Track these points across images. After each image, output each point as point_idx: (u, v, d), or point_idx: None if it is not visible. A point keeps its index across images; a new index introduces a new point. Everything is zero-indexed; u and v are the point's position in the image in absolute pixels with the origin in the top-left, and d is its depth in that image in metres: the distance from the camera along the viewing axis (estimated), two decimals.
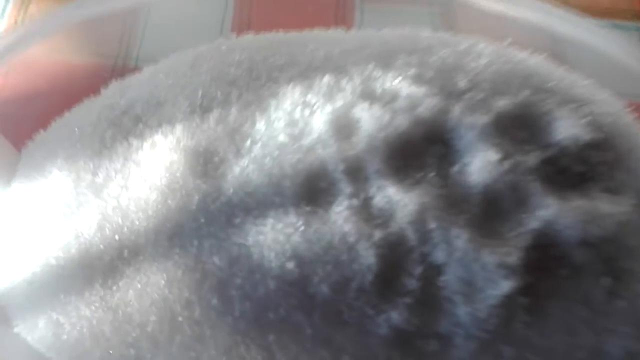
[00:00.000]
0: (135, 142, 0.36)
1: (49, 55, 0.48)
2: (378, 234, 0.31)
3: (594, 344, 0.32)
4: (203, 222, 0.33)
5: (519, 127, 0.35)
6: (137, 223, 0.33)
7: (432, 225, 0.32)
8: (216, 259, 0.32)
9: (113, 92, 0.41)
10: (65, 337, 0.33)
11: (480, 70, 0.37)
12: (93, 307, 0.33)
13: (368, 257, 0.31)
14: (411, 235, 0.31)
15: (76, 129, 0.39)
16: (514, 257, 0.31)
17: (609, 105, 0.38)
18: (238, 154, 0.34)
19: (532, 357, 0.31)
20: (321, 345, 0.31)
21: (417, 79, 0.36)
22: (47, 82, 0.50)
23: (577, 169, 0.34)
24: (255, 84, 0.38)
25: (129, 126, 0.38)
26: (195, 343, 0.31)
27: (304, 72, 0.37)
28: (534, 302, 0.31)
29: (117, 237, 0.33)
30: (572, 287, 0.32)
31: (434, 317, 0.31)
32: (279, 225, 0.32)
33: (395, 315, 0.31)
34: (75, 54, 0.52)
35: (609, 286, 0.32)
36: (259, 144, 0.34)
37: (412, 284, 0.31)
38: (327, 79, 0.36)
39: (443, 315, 0.31)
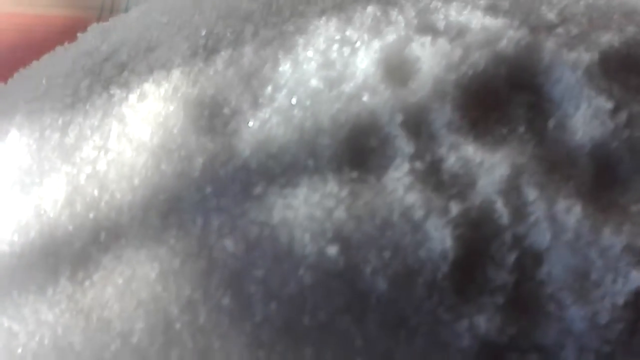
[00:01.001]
0: (118, 93, 0.28)
1: (23, 7, 0.41)
2: (455, 208, 0.23)
3: None
4: (210, 192, 0.24)
5: (630, 70, 0.26)
6: (119, 196, 0.24)
7: (530, 194, 0.23)
8: (228, 243, 0.23)
9: (93, 37, 0.32)
10: (19, 350, 0.24)
11: (569, 2, 0.28)
12: (58, 310, 0.24)
13: (442, 239, 0.22)
14: (501, 209, 0.23)
15: (44, 79, 0.30)
16: None
17: None
18: (256, 103, 0.26)
19: None
20: None
21: (491, 10, 0.27)
22: (21, 37, 0.42)
23: None
24: (276, 19, 0.29)
25: (111, 74, 0.29)
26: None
27: (340, 2, 0.28)
28: None
29: (91, 214, 0.24)
30: None
31: (534, 323, 0.23)
32: (315, 197, 0.23)
33: (482, 322, 0.22)
34: (53, 6, 0.43)
35: None
36: (284, 91, 0.26)
37: (503, 277, 0.23)
38: (371, 9, 0.28)
39: (547, 320, 0.23)
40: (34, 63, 0.33)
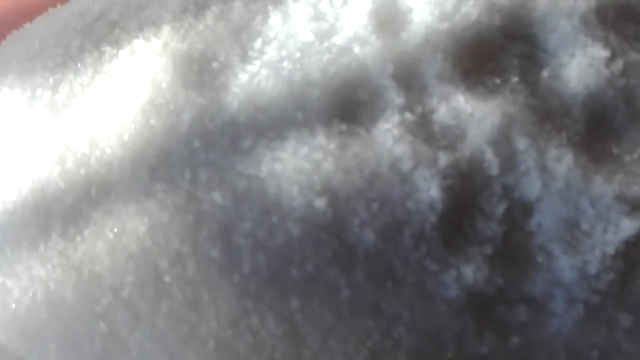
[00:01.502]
0: (108, 50, 0.27)
1: None
2: (444, 159, 0.22)
3: None
4: (198, 146, 0.24)
5: (627, 19, 0.26)
6: (109, 151, 0.24)
7: (521, 144, 0.22)
8: (217, 196, 0.23)
9: None
10: (13, 306, 0.25)
11: None
12: (50, 266, 0.24)
13: (430, 190, 0.22)
14: (491, 160, 0.22)
15: (36, 40, 0.30)
16: (638, 188, 0.22)
17: None
18: (245, 57, 0.25)
19: None
20: (365, 313, 0.22)
21: None
22: (13, 2, 0.41)
23: None
24: None
25: (102, 33, 0.29)
26: (188, 312, 0.22)
27: None
28: None
29: (82, 171, 0.25)
30: None
31: (523, 274, 0.22)
32: (304, 150, 0.23)
33: (469, 272, 0.22)
34: None
35: None
36: (273, 44, 0.25)
37: (492, 228, 0.22)
38: None
39: (536, 271, 0.22)
40: (27, 25, 0.33)
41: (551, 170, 0.22)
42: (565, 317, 0.22)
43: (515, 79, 0.25)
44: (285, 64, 0.25)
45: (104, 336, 0.23)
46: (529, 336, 0.22)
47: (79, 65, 0.28)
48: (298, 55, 0.25)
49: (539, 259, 0.23)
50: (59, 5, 0.33)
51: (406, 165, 0.23)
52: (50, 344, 0.24)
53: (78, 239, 0.24)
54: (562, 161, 0.22)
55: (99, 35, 0.29)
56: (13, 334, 0.24)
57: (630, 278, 0.22)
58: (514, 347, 0.22)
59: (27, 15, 0.35)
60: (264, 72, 0.25)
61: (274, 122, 0.24)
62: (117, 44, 0.28)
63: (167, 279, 0.23)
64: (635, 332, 0.22)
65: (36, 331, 0.24)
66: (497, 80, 0.25)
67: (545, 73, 0.25)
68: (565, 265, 0.22)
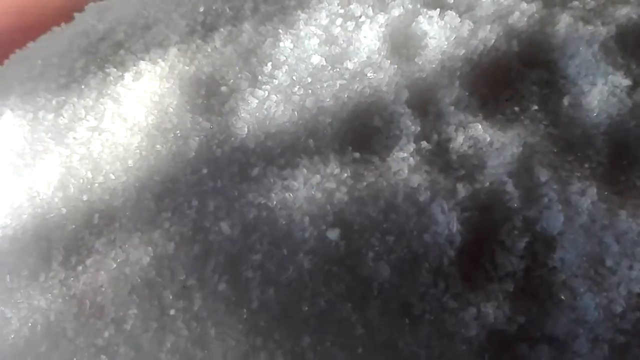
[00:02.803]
0: (114, 72, 0.27)
1: None
2: (462, 190, 0.22)
3: None
4: (206, 174, 0.23)
5: None
6: (113, 177, 0.24)
7: (543, 176, 0.22)
8: (225, 226, 0.22)
9: (89, 16, 0.31)
10: (12, 336, 0.23)
11: None
12: (50, 296, 0.23)
13: (449, 223, 0.21)
14: (512, 191, 0.22)
15: (39, 60, 0.29)
16: None
17: None
18: (255, 81, 0.25)
19: None
20: (380, 352, 0.21)
21: None
22: (18, 20, 0.41)
23: None
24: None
25: (106, 53, 0.28)
26: (194, 348, 0.21)
27: None
28: None
29: (85, 197, 0.24)
30: None
31: (545, 312, 0.22)
32: (316, 179, 0.22)
33: (490, 310, 0.21)
34: None
35: None
36: (284, 68, 0.25)
37: (513, 263, 0.22)
38: None
39: (559, 309, 0.21)
40: (30, 44, 0.32)
41: (575, 204, 0.22)
42: (590, 357, 0.21)
43: (534, 107, 0.24)
44: (296, 89, 0.24)
45: None
46: None
47: (82, 87, 0.27)
48: (309, 80, 0.25)
49: (562, 296, 0.22)
50: (63, 24, 0.33)
51: (423, 196, 0.22)
52: None
53: (80, 268, 0.23)
54: (586, 194, 0.22)
55: (103, 55, 0.28)
56: None
57: None
58: None
59: (30, 32, 0.34)
60: (274, 97, 0.24)
61: (284, 149, 0.23)
62: (122, 65, 0.27)
63: (172, 312, 0.22)
64: None
65: None
66: (516, 109, 0.24)
67: (565, 101, 0.24)
68: (589, 303, 0.21)
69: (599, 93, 0.24)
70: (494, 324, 0.21)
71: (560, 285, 0.22)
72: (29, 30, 0.35)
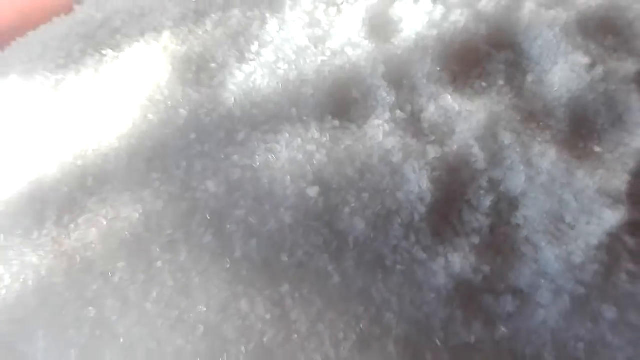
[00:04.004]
0: (110, 53, 0.29)
1: None
2: (432, 152, 0.23)
3: None
4: (194, 138, 0.24)
5: (606, 32, 0.27)
6: (106, 144, 0.25)
7: (506, 139, 0.23)
8: (211, 185, 0.23)
9: (88, 7, 0.33)
10: (4, 292, 0.24)
11: None
12: (42, 253, 0.24)
13: (420, 182, 0.23)
14: (478, 154, 0.23)
15: (39, 45, 0.31)
16: (617, 181, 0.23)
17: None
18: (242, 59, 0.26)
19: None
20: (354, 300, 0.22)
21: None
22: (20, 19, 0.42)
23: None
24: None
25: (103, 38, 0.30)
26: (178, 297, 0.23)
27: None
28: None
29: (79, 162, 0.25)
30: None
31: (509, 264, 0.23)
32: (297, 142, 0.24)
33: (457, 260, 0.22)
34: None
35: None
36: (270, 47, 0.26)
37: (479, 220, 0.23)
38: None
39: (522, 262, 0.23)
40: (31, 32, 0.34)
41: (535, 165, 0.23)
42: (552, 308, 0.23)
43: (501, 82, 0.26)
44: (280, 64, 0.26)
45: (92, 322, 0.23)
46: (516, 327, 0.23)
47: (80, 66, 0.29)
48: (293, 57, 0.26)
49: (525, 250, 0.23)
50: (62, 15, 0.35)
51: (396, 157, 0.23)
52: (39, 330, 0.23)
53: (72, 226, 0.25)
54: (546, 156, 0.23)
55: (101, 40, 0.30)
56: (2, 319, 0.24)
57: (614, 271, 0.23)
58: (501, 338, 0.22)
59: (32, 26, 0.36)
60: (260, 71, 0.26)
61: (268, 117, 0.25)
62: (118, 47, 0.29)
63: (159, 264, 0.23)
64: (620, 326, 0.23)
65: (25, 317, 0.24)
66: (484, 84, 0.26)
67: (529, 78, 0.26)
68: (550, 256, 0.23)
69: (560, 70, 0.26)
70: (460, 274, 0.22)
71: (523, 241, 0.23)
72: (31, 24, 0.36)
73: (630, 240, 0.23)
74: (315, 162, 0.24)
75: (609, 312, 0.23)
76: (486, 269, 0.23)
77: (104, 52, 0.29)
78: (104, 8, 0.33)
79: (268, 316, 0.22)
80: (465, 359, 0.22)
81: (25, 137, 0.27)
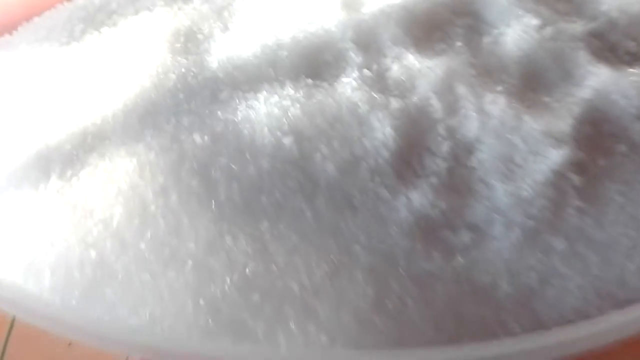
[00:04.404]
0: (107, 30, 0.32)
1: None
2: (395, 103, 0.26)
3: None
4: (182, 98, 0.27)
5: None
6: (104, 106, 0.28)
7: (461, 91, 0.26)
8: (197, 137, 0.26)
9: None
10: (13, 239, 0.27)
11: None
12: (48, 203, 0.27)
13: (383, 130, 0.25)
14: (436, 105, 0.26)
15: (43, 28, 0.34)
16: (563, 124, 0.25)
17: None
18: (225, 28, 0.30)
19: (588, 254, 0.25)
20: (326, 234, 0.25)
21: None
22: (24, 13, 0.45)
23: (628, 45, 0.29)
24: None
25: (102, 19, 0.33)
26: (170, 237, 0.25)
27: None
28: (589, 183, 0.25)
29: (80, 123, 0.28)
30: (633, 168, 0.26)
31: (465, 202, 0.25)
32: (274, 98, 0.26)
33: (417, 197, 0.24)
34: None
35: None
36: (251, 19, 0.29)
37: (437, 164, 0.26)
38: None
39: (477, 199, 0.25)
40: (35, 18, 0.37)
41: (487, 112, 0.26)
42: (504, 240, 0.25)
43: (459, 43, 0.28)
44: (259, 31, 0.29)
45: (94, 263, 0.26)
46: (472, 257, 0.25)
47: (81, 43, 0.32)
48: (272, 27, 0.29)
49: (479, 189, 0.26)
50: (65, 2, 0.38)
51: (362, 109, 0.26)
52: (45, 271, 0.26)
53: (74, 179, 0.27)
54: (497, 104, 0.26)
55: (99, 21, 0.33)
56: (12, 263, 0.27)
57: (562, 205, 0.25)
58: (458, 267, 0.25)
59: (34, 14, 0.39)
60: (241, 39, 0.29)
61: (248, 78, 0.28)
62: (114, 25, 0.32)
63: (152, 208, 0.26)
64: (569, 257, 0.25)
65: (33, 263, 0.27)
66: (444, 46, 0.28)
67: (485, 39, 0.29)
68: (501, 192, 0.25)
69: (513, 32, 0.28)
70: (419, 209, 0.25)
71: (477, 181, 0.26)
72: (33, 13, 0.39)
73: (575, 178, 0.25)
74: (290, 115, 0.26)
75: (559, 244, 0.25)
76: (443, 204, 0.25)
77: (101, 30, 0.32)
78: None
79: (249, 250, 0.25)
80: (425, 285, 0.24)
81: (32, 104, 0.30)
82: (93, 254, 0.26)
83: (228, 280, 0.24)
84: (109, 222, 0.26)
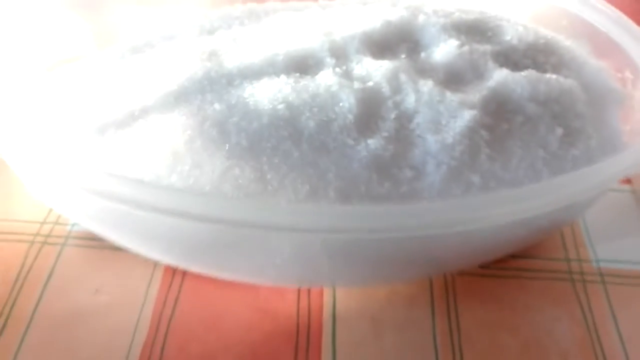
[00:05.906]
0: (151, 51, 0.43)
1: None
2: (357, 85, 0.37)
3: None
4: (206, 84, 0.38)
5: (474, 32, 0.43)
6: (150, 91, 0.39)
7: (404, 78, 0.37)
8: (216, 105, 0.37)
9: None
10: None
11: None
12: (108, 153, 0.37)
13: (349, 101, 0.36)
14: (385, 87, 0.37)
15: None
16: (473, 98, 0.37)
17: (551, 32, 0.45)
18: (237, 48, 0.41)
19: (497, 188, 0.35)
20: (308, 166, 0.34)
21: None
22: None
23: (525, 62, 0.41)
24: (254, 18, 0.45)
25: (147, 47, 0.45)
26: (194, 170, 0.35)
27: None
28: (496, 139, 0.36)
29: (134, 104, 0.38)
30: (528, 131, 0.37)
31: (407, 150, 0.36)
32: (272, 82, 0.38)
33: (373, 142, 0.35)
34: None
35: (562, 136, 0.37)
36: (256, 34, 0.42)
37: (388, 125, 0.36)
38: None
39: (415, 147, 0.36)
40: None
41: (421, 91, 0.37)
42: (435, 176, 0.35)
43: (403, 56, 0.40)
44: (261, 47, 0.41)
45: None
46: (413, 187, 0.35)
47: (134, 56, 0.44)
48: (270, 43, 0.41)
49: (417, 141, 0.36)
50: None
51: (334, 88, 0.37)
52: None
53: (126, 139, 0.38)
54: (427, 86, 0.37)
55: (144, 45, 0.45)
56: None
57: (477, 152, 0.36)
58: (403, 192, 0.35)
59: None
60: (249, 48, 0.41)
61: (253, 72, 0.39)
62: (156, 48, 0.44)
63: (182, 150, 0.36)
64: (483, 189, 0.35)
65: None
66: (392, 57, 0.40)
67: (422, 55, 0.41)
68: (432, 141, 0.36)
69: (440, 50, 0.41)
70: (374, 150, 0.35)
71: (416, 137, 0.36)
72: None
73: (485, 134, 0.36)
74: (283, 92, 0.37)
75: (476, 179, 0.35)
76: (392, 148, 0.35)
77: (147, 50, 0.44)
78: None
79: (252, 176, 0.35)
80: (379, 204, 0.34)
81: (107, 94, 0.41)
82: None
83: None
84: (147, 160, 0.36)
